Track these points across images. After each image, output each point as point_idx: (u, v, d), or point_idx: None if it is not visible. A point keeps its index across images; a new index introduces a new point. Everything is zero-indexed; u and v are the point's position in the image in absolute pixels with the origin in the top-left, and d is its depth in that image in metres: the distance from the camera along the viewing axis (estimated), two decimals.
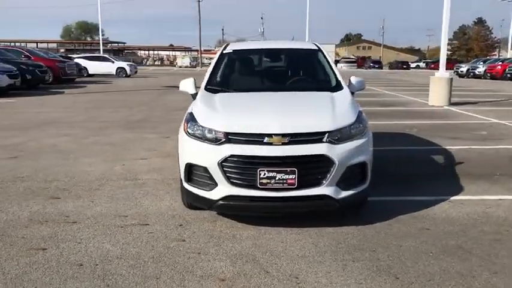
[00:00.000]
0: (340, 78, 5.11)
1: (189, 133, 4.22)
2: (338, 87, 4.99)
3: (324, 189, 3.96)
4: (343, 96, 4.71)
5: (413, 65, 73.50)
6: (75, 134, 9.36)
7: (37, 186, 5.56)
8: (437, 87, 14.12)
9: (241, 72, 5.75)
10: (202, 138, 4.09)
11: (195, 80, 5.27)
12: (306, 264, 3.49)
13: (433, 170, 6.43)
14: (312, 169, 3.95)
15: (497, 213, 4.63)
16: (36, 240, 3.96)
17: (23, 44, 63.97)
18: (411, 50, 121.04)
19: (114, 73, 32.44)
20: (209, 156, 3.99)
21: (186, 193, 4.33)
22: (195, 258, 3.60)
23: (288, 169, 3.88)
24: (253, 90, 5.03)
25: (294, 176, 3.88)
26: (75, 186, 5.58)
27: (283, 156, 3.87)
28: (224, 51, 5.77)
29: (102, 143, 8.36)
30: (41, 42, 74.53)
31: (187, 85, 5.21)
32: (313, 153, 3.91)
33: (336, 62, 77.85)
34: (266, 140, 3.91)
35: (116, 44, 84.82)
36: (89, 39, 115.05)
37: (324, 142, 3.96)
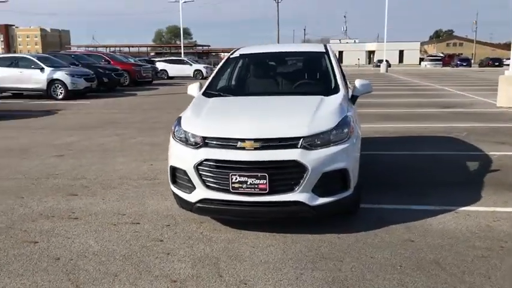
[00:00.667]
0: (339, 82, 4.98)
1: (174, 137, 4.37)
2: (335, 90, 4.86)
3: (296, 196, 3.91)
4: (334, 100, 4.59)
5: (508, 61, 67.69)
6: (125, 134, 9.96)
7: (64, 183, 6.03)
8: (507, 86, 13.04)
9: (241, 76, 5.81)
10: (185, 142, 4.21)
11: (200, 84, 5.43)
12: (263, 271, 3.48)
13: (457, 178, 6.01)
14: (284, 175, 3.91)
15: (502, 228, 4.26)
16: (33, 233, 4.33)
17: (117, 49, 68.88)
18: (510, 46, 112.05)
19: (192, 75, 33.72)
20: (188, 160, 4.11)
21: (173, 195, 4.49)
22: (161, 258, 3.74)
23: (259, 174, 3.88)
24: (248, 95, 5.07)
25: (265, 181, 3.88)
26: (96, 184, 5.98)
27: (253, 161, 3.88)
28: (231, 56, 5.86)
29: (144, 143, 8.81)
30: (133, 47, 79.51)
31: (193, 89, 5.38)
32: (284, 159, 3.88)
33: (421, 60, 74.07)
34: (239, 144, 3.94)
35: (201, 47, 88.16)
36: (178, 42, 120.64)
37: (297, 148, 3.91)
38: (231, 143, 3.98)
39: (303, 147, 3.92)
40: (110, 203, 5.19)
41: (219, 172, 3.98)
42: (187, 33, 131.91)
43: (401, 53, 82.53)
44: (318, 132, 4.00)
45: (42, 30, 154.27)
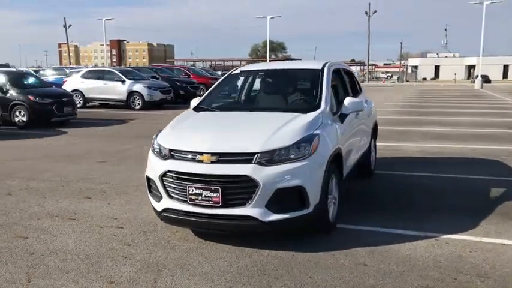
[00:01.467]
0: (322, 99, 4.94)
1: (152, 148, 4.66)
2: (316, 108, 4.84)
3: (249, 210, 3.99)
4: (307, 117, 4.58)
5: None
6: None
7: (87, 187, 6.60)
8: None
9: (234, 92, 5.97)
10: (158, 154, 4.49)
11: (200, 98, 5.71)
12: (196, 282, 3.60)
13: (468, 204, 5.61)
14: (237, 189, 4.01)
15: (473, 259, 3.96)
16: (30, 230, 4.84)
17: (213, 63, 72.15)
18: None
19: None
20: (156, 170, 4.37)
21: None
22: (116, 261, 4.01)
23: (213, 187, 4.02)
24: (233, 110, 5.25)
25: (218, 194, 4.01)
26: (114, 189, 6.47)
27: (207, 174, 4.04)
28: (233, 72, 6.06)
29: None
30: (228, 61, 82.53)
31: (193, 103, 5.66)
32: (236, 173, 3.98)
33: None
34: (198, 158, 4.12)
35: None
36: (273, 56, 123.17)
37: (251, 163, 3.99)
38: (191, 156, 4.17)
39: (257, 162, 3.99)
40: (111, 208, 5.61)
41: (179, 183, 4.19)
42: (282, 47, 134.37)
43: (505, 68, 76.51)
44: (273, 148, 4.06)
45: (149, 45, 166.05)
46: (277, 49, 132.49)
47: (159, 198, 4.41)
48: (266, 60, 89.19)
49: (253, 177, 3.94)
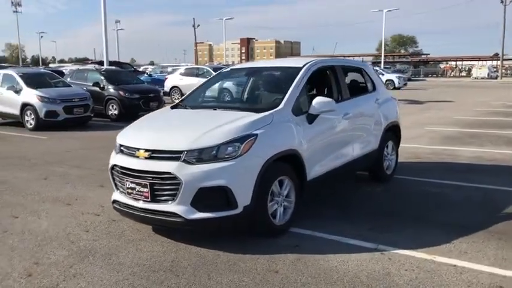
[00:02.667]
0: (285, 99, 4.76)
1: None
2: (275, 107, 4.70)
3: (173, 207, 4.06)
4: (254, 117, 4.46)
5: None
6: None
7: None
8: None
9: (212, 90, 5.97)
10: (115, 149, 4.76)
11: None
12: (102, 270, 3.79)
13: (460, 218, 4.98)
14: (163, 185, 4.11)
15: (398, 279, 3.57)
16: (26, 211, 5.44)
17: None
18: None
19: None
20: (109, 164, 4.67)
21: None
22: (60, 244, 4.37)
23: (143, 182, 4.18)
24: (200, 108, 5.31)
25: (147, 189, 4.16)
26: None
27: (138, 170, 4.21)
28: (223, 70, 6.10)
29: None
30: (355, 56, 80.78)
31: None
32: (161, 170, 4.08)
33: None
34: (135, 153, 4.32)
35: (425, 56, 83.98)
36: (402, 51, 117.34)
37: (178, 161, 4.06)
38: (131, 151, 4.38)
39: (184, 161, 4.05)
40: (108, 197, 6.04)
41: (121, 177, 4.43)
42: (413, 42, 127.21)
43: None
44: (201, 147, 4.07)
45: (276, 42, 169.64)
46: (407, 43, 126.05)
47: (115, 189, 4.69)
48: (392, 56, 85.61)
49: (177, 174, 4.01)
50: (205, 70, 20.59)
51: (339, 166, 5.37)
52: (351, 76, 6.52)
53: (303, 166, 4.69)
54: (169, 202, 4.08)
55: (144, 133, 4.61)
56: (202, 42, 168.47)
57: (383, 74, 33.72)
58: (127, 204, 4.38)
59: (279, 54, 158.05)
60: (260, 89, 5.67)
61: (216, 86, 6.11)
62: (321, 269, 3.78)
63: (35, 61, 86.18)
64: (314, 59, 5.59)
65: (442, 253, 4.04)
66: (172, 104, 5.70)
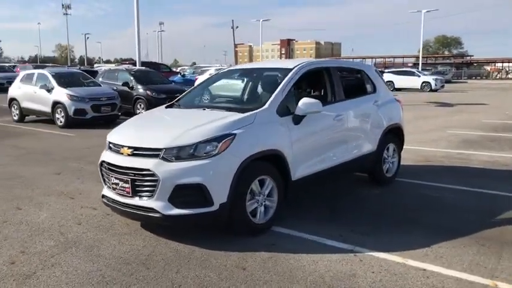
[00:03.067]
0: (270, 99, 4.82)
1: None
2: (260, 107, 4.77)
3: (152, 203, 4.21)
4: (236, 117, 4.56)
5: None
6: None
7: None
8: None
9: (204, 90, 6.07)
10: (106, 145, 4.96)
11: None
12: (79, 261, 3.98)
13: (451, 222, 4.90)
14: (143, 182, 4.26)
15: (361, 281, 3.58)
16: (30, 204, 5.72)
17: (378, 60, 70.57)
18: None
19: (419, 87, 32.19)
20: (99, 159, 4.87)
21: None
22: (51, 235, 4.60)
23: (125, 178, 4.36)
24: (190, 107, 5.42)
25: (129, 185, 4.33)
26: None
27: (121, 166, 4.38)
28: (222, 71, 6.22)
29: None
30: (395, 57, 79.26)
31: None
32: (141, 167, 4.24)
33: None
34: (120, 150, 4.50)
35: (468, 57, 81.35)
36: (446, 52, 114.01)
37: (157, 158, 4.21)
38: (117, 148, 4.56)
39: (162, 158, 4.20)
40: None
41: (108, 172, 4.62)
42: (457, 43, 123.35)
43: None
44: (179, 145, 4.20)
45: (317, 43, 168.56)
46: (451, 44, 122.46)
47: (103, 185, 4.90)
48: (433, 57, 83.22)
49: (155, 171, 4.15)
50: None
51: (331, 167, 5.37)
52: (350, 77, 6.49)
53: (286, 166, 4.74)
54: (149, 198, 4.23)
55: (130, 131, 4.80)
56: (243, 44, 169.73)
57: (419, 76, 33.00)
58: (113, 199, 4.57)
59: (318, 55, 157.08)
60: (250, 90, 5.76)
61: (212, 85, 6.22)
62: (289, 267, 3.83)
63: (82, 61, 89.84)
64: (307, 60, 5.62)
65: (416, 257, 4.00)
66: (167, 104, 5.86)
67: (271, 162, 4.64)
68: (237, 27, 73.93)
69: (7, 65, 31.59)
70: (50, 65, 39.54)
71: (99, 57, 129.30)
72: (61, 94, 13.48)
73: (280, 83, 5.05)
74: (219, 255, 4.08)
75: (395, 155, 6.64)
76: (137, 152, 4.35)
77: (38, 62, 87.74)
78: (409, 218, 5.07)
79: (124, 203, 4.42)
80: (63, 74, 14.96)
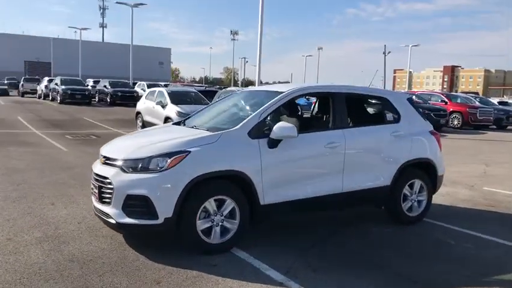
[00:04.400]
0: (244, 121, 4.82)
1: None
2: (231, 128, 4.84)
3: (109, 209, 4.55)
4: (201, 135, 4.77)
5: None
6: None
7: None
8: None
9: (209, 110, 6.13)
10: None
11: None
12: (38, 254, 4.49)
13: (422, 272, 4.27)
14: (105, 189, 4.63)
15: None
16: (68, 201, 6.49)
17: None
18: None
19: None
20: None
21: None
22: (46, 230, 5.21)
23: (96, 184, 4.80)
24: (187, 126, 5.62)
25: (97, 191, 4.75)
26: None
27: (95, 173, 4.83)
28: (229, 94, 6.34)
29: None
30: None
31: None
32: (104, 175, 4.64)
33: None
34: (99, 159, 4.98)
35: None
36: None
37: (117, 168, 4.58)
38: (100, 157, 5.05)
39: (121, 168, 4.54)
40: None
41: (92, 178, 5.12)
42: None
43: None
44: (133, 158, 4.53)
45: (486, 71, 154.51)
46: None
47: None
48: None
49: (111, 180, 4.52)
50: None
51: (317, 196, 5.12)
52: (365, 105, 6.07)
53: (252, 189, 4.69)
54: (108, 205, 4.59)
55: (114, 142, 5.24)
56: (402, 70, 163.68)
57: None
58: (94, 204, 5.03)
59: (488, 84, 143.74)
60: (236, 111, 5.79)
61: (216, 106, 6.36)
62: None
63: (245, 83, 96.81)
64: (306, 85, 5.47)
65: None
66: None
67: (235, 183, 4.65)
68: (389, 52, 71.86)
69: (163, 83, 35.71)
70: (170, 83, 43.82)
71: (260, 81, 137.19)
72: (172, 110, 14.85)
73: (262, 106, 5.04)
74: (152, 267, 4.22)
75: (424, 193, 5.97)
76: (107, 161, 4.77)
77: (203, 83, 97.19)
78: (387, 264, 4.57)
79: (95, 207, 4.86)
80: (177, 93, 16.44)
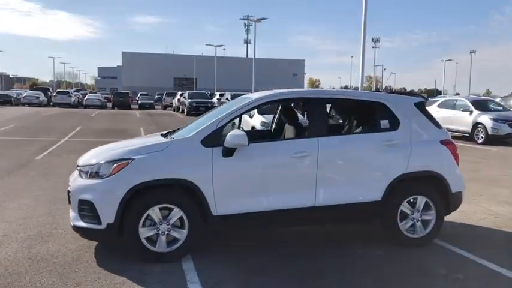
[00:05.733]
0: (199, 129, 4.77)
1: None
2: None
3: (71, 212, 4.81)
4: (150, 142, 4.91)
5: None
6: None
7: None
8: None
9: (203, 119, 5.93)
10: None
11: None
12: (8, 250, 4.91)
13: None
14: (70, 193, 4.89)
15: None
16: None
17: None
18: None
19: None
20: None
21: None
22: (40, 224, 5.74)
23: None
24: (165, 135, 5.60)
25: (67, 195, 5.06)
26: None
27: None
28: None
29: None
30: None
31: None
32: (69, 180, 4.93)
33: None
34: None
35: None
36: None
37: (77, 174, 4.86)
38: None
39: (79, 174, 4.81)
40: None
41: None
42: None
43: None
44: (86, 164, 4.78)
45: None
46: None
47: None
48: None
49: (70, 184, 4.80)
50: (462, 102, 18.43)
51: (282, 209, 4.76)
52: (354, 111, 5.43)
53: (203, 199, 4.57)
54: (71, 208, 4.86)
55: (91, 150, 5.44)
56: None
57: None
58: None
59: None
60: (213, 118, 5.58)
61: (206, 115, 6.22)
62: None
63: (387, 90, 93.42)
64: (278, 91, 5.15)
65: None
66: None
67: (184, 192, 4.59)
68: None
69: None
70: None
71: (403, 88, 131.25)
72: (256, 120, 15.07)
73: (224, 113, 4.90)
74: (88, 270, 4.36)
75: (431, 211, 5.15)
76: (78, 168, 5.05)
77: None
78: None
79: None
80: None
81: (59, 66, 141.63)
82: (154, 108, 44.06)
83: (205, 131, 4.73)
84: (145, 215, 4.50)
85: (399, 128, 5.15)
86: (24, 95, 46.12)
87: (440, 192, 5.20)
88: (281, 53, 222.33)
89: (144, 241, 4.53)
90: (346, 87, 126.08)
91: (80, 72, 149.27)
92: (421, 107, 5.38)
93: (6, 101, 43.34)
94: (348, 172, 4.99)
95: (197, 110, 31.04)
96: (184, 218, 4.58)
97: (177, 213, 4.57)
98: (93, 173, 4.63)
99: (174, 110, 39.19)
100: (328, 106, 5.91)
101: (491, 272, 4.48)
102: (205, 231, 4.72)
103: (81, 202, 4.61)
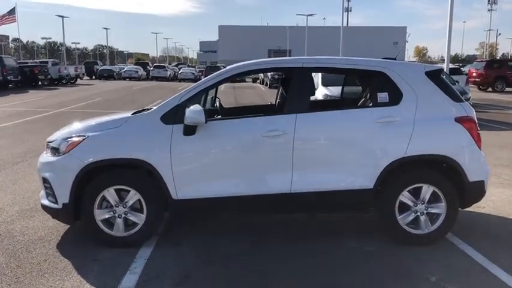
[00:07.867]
0: (159, 105, 4.29)
1: None
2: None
3: (41, 191, 4.66)
4: (104, 120, 4.56)
5: None
6: None
7: None
8: None
9: None
10: None
11: None
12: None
13: None
14: None
15: None
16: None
17: None
18: None
19: None
20: None
21: None
22: (26, 203, 5.71)
23: None
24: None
25: None
26: None
27: None
28: None
29: None
30: None
31: None
32: None
33: None
34: None
35: None
36: None
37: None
38: None
39: (46, 150, 4.60)
40: None
41: None
42: None
43: None
44: (49, 140, 4.57)
45: None
46: None
47: None
48: None
49: (38, 161, 4.64)
50: None
51: (252, 195, 4.19)
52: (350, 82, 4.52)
53: (161, 181, 4.17)
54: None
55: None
56: None
57: None
58: None
59: None
60: None
61: None
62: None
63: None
64: (255, 61, 4.48)
65: None
66: None
67: (141, 174, 4.22)
68: None
69: None
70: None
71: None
72: (320, 93, 14.05)
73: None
74: (41, 252, 4.18)
75: (441, 203, 4.23)
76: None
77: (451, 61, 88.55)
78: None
79: None
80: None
81: (163, 42, 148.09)
82: (245, 81, 44.20)
83: (165, 107, 4.27)
84: (100, 196, 4.21)
85: (401, 102, 4.24)
86: (125, 69, 48.82)
87: (453, 181, 4.24)
88: (385, 20, 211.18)
89: (100, 224, 4.25)
90: (456, 56, 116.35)
91: (183, 47, 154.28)
92: (435, 76, 4.38)
93: (110, 76, 46.36)
94: (330, 154, 4.24)
95: (277, 82, 30.44)
96: (142, 201, 4.21)
97: (133, 195, 4.21)
98: (54, 149, 4.41)
99: (261, 83, 38.94)
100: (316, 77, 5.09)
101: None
102: (164, 216, 4.31)
103: (44, 180, 4.43)
